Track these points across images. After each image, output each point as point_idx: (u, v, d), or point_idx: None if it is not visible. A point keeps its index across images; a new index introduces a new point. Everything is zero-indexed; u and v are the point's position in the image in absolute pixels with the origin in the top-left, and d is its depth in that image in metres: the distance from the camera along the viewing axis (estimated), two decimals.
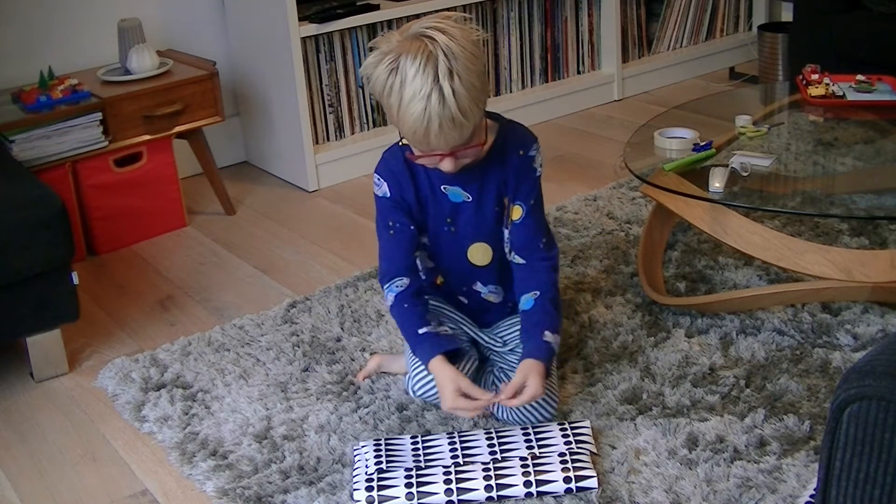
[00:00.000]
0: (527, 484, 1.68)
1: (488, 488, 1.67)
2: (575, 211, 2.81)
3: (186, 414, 2.00)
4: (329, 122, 3.24)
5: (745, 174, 2.13)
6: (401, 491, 1.68)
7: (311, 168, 3.15)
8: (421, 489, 1.68)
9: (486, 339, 1.97)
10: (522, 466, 1.71)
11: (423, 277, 2.01)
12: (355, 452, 1.81)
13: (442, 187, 1.82)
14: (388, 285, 1.86)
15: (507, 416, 1.87)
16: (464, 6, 3.41)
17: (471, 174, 1.79)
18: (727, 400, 1.90)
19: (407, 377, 1.95)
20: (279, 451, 1.86)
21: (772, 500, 1.63)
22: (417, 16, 3.31)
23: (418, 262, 1.92)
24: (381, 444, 1.80)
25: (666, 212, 2.30)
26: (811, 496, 1.60)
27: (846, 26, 3.16)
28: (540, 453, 1.75)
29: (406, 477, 1.71)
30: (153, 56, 2.86)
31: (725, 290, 2.31)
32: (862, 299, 2.14)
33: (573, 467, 1.69)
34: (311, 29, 3.06)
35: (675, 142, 2.27)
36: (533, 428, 1.83)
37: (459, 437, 1.82)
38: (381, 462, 1.75)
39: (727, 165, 2.14)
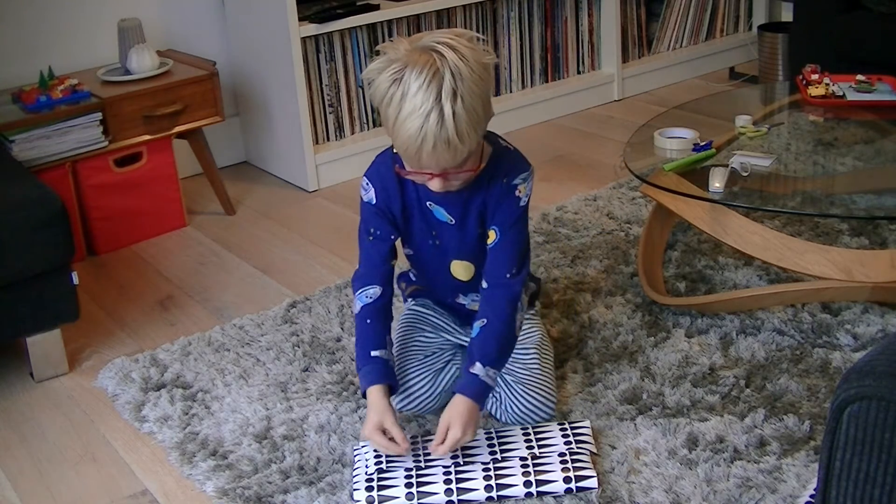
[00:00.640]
0: (527, 484, 1.68)
1: (488, 488, 1.67)
2: (575, 211, 2.81)
3: (186, 414, 2.00)
4: (329, 122, 3.24)
5: (745, 174, 2.13)
6: (401, 491, 1.68)
7: (311, 168, 3.15)
8: (421, 489, 1.68)
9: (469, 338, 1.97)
10: (522, 466, 1.71)
11: (414, 279, 2.00)
12: (355, 452, 1.81)
13: (428, 203, 1.80)
14: (358, 292, 1.83)
15: (507, 417, 1.87)
16: (464, 6, 3.41)
17: (456, 197, 1.77)
18: (727, 400, 1.90)
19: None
20: (279, 451, 1.86)
21: (772, 500, 1.63)
22: (417, 16, 3.32)
23: (410, 274, 1.91)
24: None
25: (666, 212, 2.30)
26: (811, 496, 1.60)
27: (846, 26, 3.16)
28: (540, 453, 1.75)
29: (406, 477, 1.71)
30: (153, 56, 2.86)
31: (725, 290, 2.31)
32: (862, 299, 2.14)
33: (573, 467, 1.69)
34: (311, 29, 3.06)
35: (675, 142, 2.27)
36: (533, 428, 1.83)
37: None
38: (381, 462, 1.75)
39: (727, 165, 2.14)
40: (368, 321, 1.81)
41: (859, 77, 2.53)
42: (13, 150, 2.55)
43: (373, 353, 1.78)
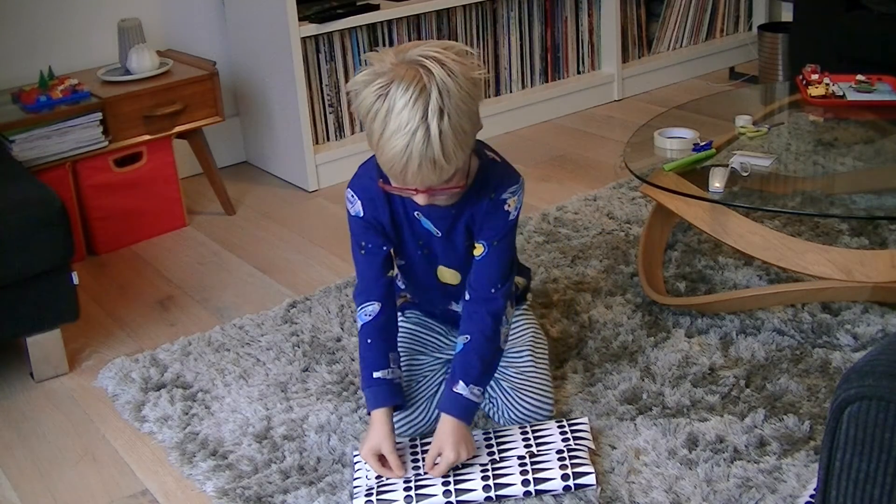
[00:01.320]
0: (525, 483, 1.68)
1: (486, 488, 1.67)
2: (575, 211, 2.81)
3: (186, 414, 2.00)
4: (329, 122, 3.24)
5: (745, 174, 2.12)
6: (400, 494, 1.68)
7: (311, 168, 3.15)
8: (420, 491, 1.68)
9: None
10: (520, 466, 1.71)
11: (402, 287, 1.96)
12: (354, 454, 1.81)
13: (415, 213, 1.76)
14: (359, 310, 1.81)
15: (504, 421, 1.87)
16: (464, 6, 3.41)
17: (443, 211, 1.74)
18: (727, 400, 1.90)
19: None
20: (279, 451, 1.85)
21: (772, 500, 1.63)
22: (417, 16, 3.32)
23: (398, 282, 1.87)
24: None
25: (666, 212, 2.30)
26: (811, 496, 1.60)
27: (846, 26, 3.16)
28: (538, 451, 1.75)
29: (405, 479, 1.71)
30: (153, 56, 2.86)
31: (725, 290, 2.31)
32: (862, 299, 2.14)
33: (571, 464, 1.69)
34: (311, 29, 3.06)
35: (675, 142, 2.27)
36: (531, 427, 1.83)
37: None
38: None
39: (727, 165, 2.14)
40: (369, 341, 1.79)
41: (859, 77, 2.53)
42: (13, 150, 2.56)
43: (375, 375, 1.76)
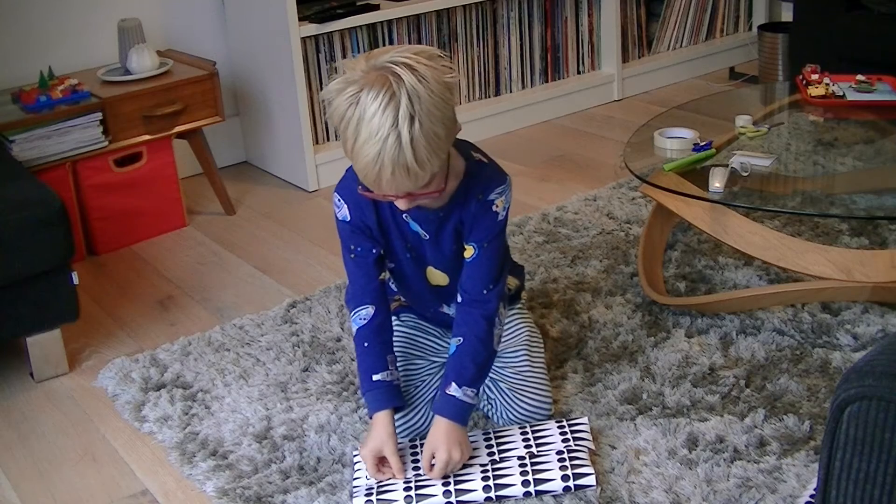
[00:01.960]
0: (525, 483, 1.68)
1: (486, 489, 1.67)
2: (575, 211, 2.81)
3: (186, 414, 2.00)
4: (329, 122, 3.24)
5: (745, 174, 2.12)
6: (399, 494, 1.68)
7: (311, 168, 3.15)
8: (420, 491, 1.68)
9: None
10: (520, 466, 1.71)
11: (395, 290, 1.95)
12: (354, 454, 1.81)
13: (403, 215, 1.75)
14: (352, 314, 1.80)
15: (504, 422, 1.87)
16: (464, 6, 3.41)
17: (431, 214, 1.73)
18: (727, 400, 1.90)
19: None
20: (279, 451, 1.85)
21: (772, 500, 1.63)
22: (417, 16, 3.32)
23: (391, 284, 1.87)
24: None
25: (666, 212, 2.30)
26: (811, 496, 1.60)
27: (846, 26, 3.16)
28: (538, 452, 1.75)
29: (405, 480, 1.71)
30: (153, 56, 2.86)
31: (725, 290, 2.31)
32: (862, 299, 2.14)
33: (571, 465, 1.69)
34: (311, 29, 3.06)
35: (675, 142, 2.27)
36: (531, 427, 1.83)
37: None
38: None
39: (727, 165, 2.14)
40: (366, 344, 1.78)
41: (859, 77, 2.53)
42: (13, 150, 2.56)
43: (375, 378, 1.76)
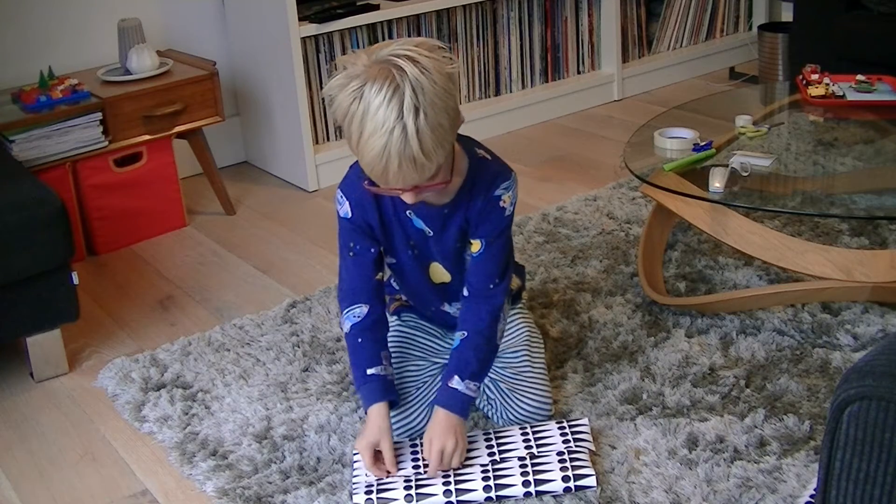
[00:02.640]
0: (525, 484, 1.68)
1: (487, 489, 1.67)
2: (575, 211, 2.81)
3: (186, 414, 2.00)
4: (329, 122, 3.24)
5: (745, 174, 2.12)
6: (400, 493, 1.68)
7: (311, 168, 3.15)
8: (420, 491, 1.68)
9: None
10: (521, 466, 1.71)
11: (396, 288, 1.95)
12: (355, 455, 1.81)
13: (407, 212, 1.75)
14: (345, 312, 1.80)
15: (504, 422, 1.87)
16: (464, 6, 3.41)
17: (435, 211, 1.73)
18: (727, 400, 1.90)
19: None
20: (279, 451, 1.85)
21: (772, 500, 1.63)
22: (417, 16, 3.32)
23: (392, 282, 1.86)
24: None
25: (666, 212, 2.30)
26: (811, 496, 1.60)
27: (846, 26, 3.16)
28: (538, 453, 1.75)
29: (405, 479, 1.71)
30: (153, 56, 2.86)
31: (725, 290, 2.31)
32: (862, 299, 2.14)
33: (571, 466, 1.69)
34: (311, 29, 3.06)
35: (675, 142, 2.27)
36: (531, 427, 1.83)
37: None
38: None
39: (727, 165, 2.14)
40: (360, 340, 1.78)
41: (859, 77, 2.53)
42: (13, 150, 2.56)
43: (369, 372, 1.76)
